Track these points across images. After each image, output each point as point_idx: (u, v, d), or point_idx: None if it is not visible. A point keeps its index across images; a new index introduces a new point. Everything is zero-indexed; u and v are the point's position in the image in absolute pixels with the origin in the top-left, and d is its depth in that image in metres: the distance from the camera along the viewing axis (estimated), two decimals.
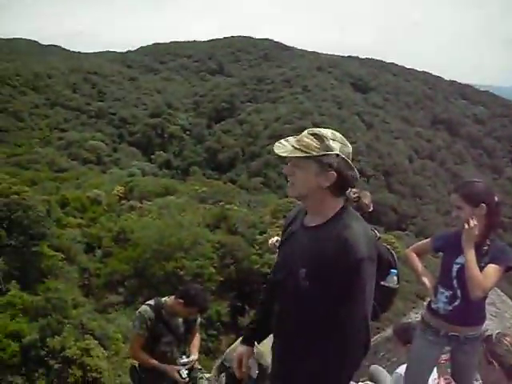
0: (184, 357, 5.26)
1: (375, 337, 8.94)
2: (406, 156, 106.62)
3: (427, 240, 4.40)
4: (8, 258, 31.57)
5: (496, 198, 3.96)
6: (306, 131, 2.81)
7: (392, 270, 4.00)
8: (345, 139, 2.82)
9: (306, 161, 2.74)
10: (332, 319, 2.71)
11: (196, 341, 5.58)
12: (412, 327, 5.03)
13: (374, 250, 2.77)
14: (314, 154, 2.72)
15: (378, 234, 4.54)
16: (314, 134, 2.76)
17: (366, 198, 4.43)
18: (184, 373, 5.15)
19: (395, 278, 4.21)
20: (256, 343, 3.36)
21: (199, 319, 5.57)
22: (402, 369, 5.03)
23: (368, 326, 2.78)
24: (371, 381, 5.88)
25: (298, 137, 2.79)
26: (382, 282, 4.13)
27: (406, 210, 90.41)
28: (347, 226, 2.73)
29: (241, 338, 3.46)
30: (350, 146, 2.83)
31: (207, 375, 5.49)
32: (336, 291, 2.66)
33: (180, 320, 5.31)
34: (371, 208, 4.43)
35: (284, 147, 2.76)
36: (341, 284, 2.65)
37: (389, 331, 8.17)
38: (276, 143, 2.81)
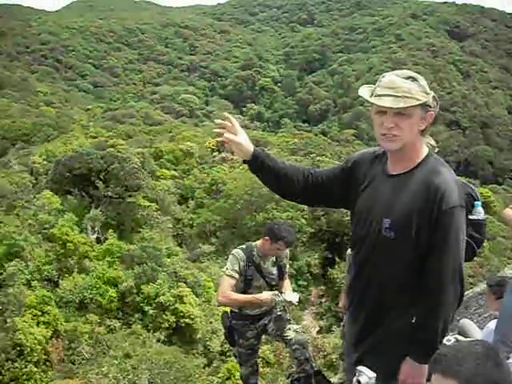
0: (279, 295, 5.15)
1: (467, 292, 8.76)
2: (504, 107, 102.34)
3: None
4: (105, 208, 32.67)
5: None
6: (393, 76, 2.54)
7: (476, 203, 3.92)
8: None
9: (413, 108, 2.50)
10: (423, 270, 2.60)
11: (287, 285, 5.52)
12: (507, 282, 4.86)
13: (464, 196, 2.65)
14: (424, 99, 2.51)
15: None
16: (409, 78, 2.52)
17: (431, 139, 4.24)
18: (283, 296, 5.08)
19: (481, 209, 4.15)
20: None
21: (288, 266, 5.54)
22: (493, 323, 4.94)
23: (462, 276, 2.64)
24: (460, 335, 5.65)
25: (384, 83, 2.52)
26: (470, 216, 4.06)
27: (504, 163, 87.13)
28: (437, 172, 2.58)
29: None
30: None
31: (295, 326, 5.33)
32: (426, 241, 2.54)
33: (272, 267, 5.30)
34: (437, 149, 4.23)
35: (384, 98, 2.48)
36: (432, 234, 2.52)
37: (481, 286, 7.99)
38: (372, 97, 2.54)
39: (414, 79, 2.52)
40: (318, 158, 44.92)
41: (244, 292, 5.16)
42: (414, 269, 2.62)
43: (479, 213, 4.21)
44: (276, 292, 5.10)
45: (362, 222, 2.76)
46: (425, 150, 2.67)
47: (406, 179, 2.61)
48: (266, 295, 5.05)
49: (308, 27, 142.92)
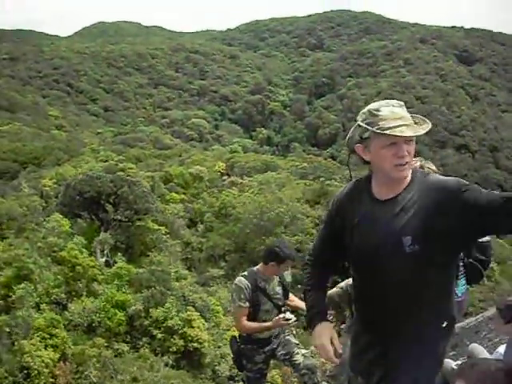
0: (288, 313, 5.17)
1: (477, 316, 8.78)
2: None
3: None
4: (114, 231, 32.72)
5: None
6: (391, 107, 2.62)
7: None
8: None
9: None
10: (444, 277, 2.71)
11: (295, 299, 5.58)
12: None
13: None
14: (429, 124, 2.67)
15: None
16: (401, 105, 2.65)
17: (431, 165, 4.35)
18: (288, 314, 5.10)
19: None
20: None
21: (290, 280, 5.53)
22: (502, 348, 4.87)
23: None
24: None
25: (387, 115, 2.57)
26: None
27: None
28: (428, 176, 2.71)
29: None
30: None
31: (303, 351, 5.32)
32: (458, 229, 2.50)
33: (277, 286, 5.31)
34: (438, 173, 4.26)
35: (402, 129, 2.54)
36: (464, 208, 2.48)
37: (492, 310, 7.94)
38: (381, 131, 2.56)
39: (402, 106, 2.64)
40: (327, 182, 45.02)
41: (254, 317, 5.16)
42: (445, 272, 2.70)
43: None
44: (285, 316, 5.07)
45: (369, 252, 2.75)
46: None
47: (404, 197, 2.65)
48: (276, 320, 5.06)
49: (317, 52, 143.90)
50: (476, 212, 2.44)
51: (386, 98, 2.75)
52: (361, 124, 2.65)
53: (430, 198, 2.57)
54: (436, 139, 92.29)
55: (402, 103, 2.64)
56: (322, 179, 46.33)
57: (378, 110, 2.60)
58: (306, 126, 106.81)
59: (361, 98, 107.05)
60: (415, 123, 2.63)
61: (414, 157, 4.06)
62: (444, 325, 2.74)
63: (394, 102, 2.65)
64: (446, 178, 2.68)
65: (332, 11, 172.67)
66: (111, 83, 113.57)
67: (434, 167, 4.31)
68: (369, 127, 2.59)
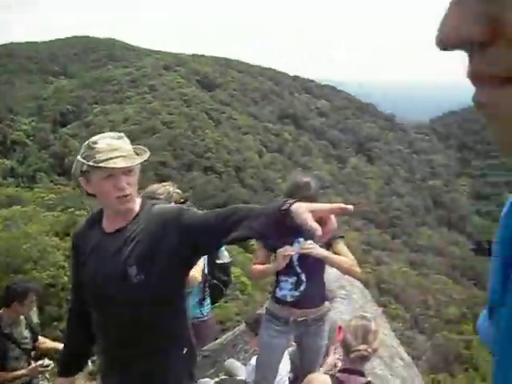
0: (46, 359, 5.13)
1: (234, 330, 8.96)
2: (255, 151, 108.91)
3: (259, 247, 4.30)
4: None
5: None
6: (107, 139, 2.62)
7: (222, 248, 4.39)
8: None
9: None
10: (176, 303, 2.76)
11: (46, 341, 5.48)
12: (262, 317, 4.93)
13: None
14: (146, 153, 2.72)
15: None
16: (120, 137, 2.66)
17: (178, 190, 4.52)
18: (46, 361, 5.06)
19: (226, 253, 4.77)
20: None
21: (37, 320, 5.40)
22: (254, 360, 4.99)
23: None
24: (228, 375, 5.99)
25: (103, 148, 2.57)
26: (218, 261, 4.75)
27: (260, 204, 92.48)
28: (155, 206, 2.75)
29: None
30: None
31: None
32: (179, 250, 2.56)
33: (24, 331, 5.13)
34: (182, 197, 4.50)
35: (116, 160, 2.55)
36: (182, 238, 2.55)
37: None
38: (96, 164, 2.55)
39: (122, 137, 2.65)
40: (76, 212, 44.38)
41: (2, 367, 4.90)
42: (176, 299, 2.73)
43: (225, 256, 4.74)
44: (43, 363, 5.03)
45: (98, 285, 2.68)
46: (139, 200, 2.77)
47: (131, 229, 2.66)
48: (31, 368, 4.98)
49: (61, 79, 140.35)
50: (192, 233, 2.49)
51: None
52: (79, 158, 2.63)
53: (154, 226, 2.59)
54: (183, 163, 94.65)
55: (122, 135, 2.66)
56: (70, 209, 45.49)
57: (95, 143, 2.58)
58: (51, 155, 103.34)
59: (107, 125, 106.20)
60: (137, 154, 2.66)
61: (164, 181, 4.50)
62: (184, 352, 2.75)
63: (113, 133, 2.66)
64: (169, 206, 2.80)
65: (75, 37, 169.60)
66: None
67: (179, 191, 4.49)
68: (85, 161, 2.57)
